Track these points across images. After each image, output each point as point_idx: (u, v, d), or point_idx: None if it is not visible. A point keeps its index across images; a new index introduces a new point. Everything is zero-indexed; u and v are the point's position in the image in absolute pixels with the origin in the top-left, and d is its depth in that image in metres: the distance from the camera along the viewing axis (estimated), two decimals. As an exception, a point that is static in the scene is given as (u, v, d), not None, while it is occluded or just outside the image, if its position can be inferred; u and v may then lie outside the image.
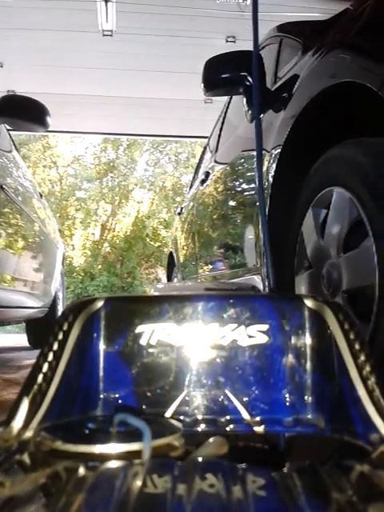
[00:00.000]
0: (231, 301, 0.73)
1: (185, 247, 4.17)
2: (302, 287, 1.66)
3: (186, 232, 4.10)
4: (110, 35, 4.86)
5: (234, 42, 4.90)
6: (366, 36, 1.40)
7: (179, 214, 4.61)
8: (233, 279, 2.53)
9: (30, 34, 4.76)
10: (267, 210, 1.72)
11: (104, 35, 4.85)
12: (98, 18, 4.60)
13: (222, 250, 2.93)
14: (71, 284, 11.95)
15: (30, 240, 3.19)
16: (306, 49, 1.87)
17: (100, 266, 12.89)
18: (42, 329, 3.98)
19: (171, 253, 4.85)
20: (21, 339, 5.29)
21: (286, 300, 0.75)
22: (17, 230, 2.84)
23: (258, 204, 1.86)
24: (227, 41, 4.93)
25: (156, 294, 0.99)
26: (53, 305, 4.07)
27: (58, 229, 4.90)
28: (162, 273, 13.07)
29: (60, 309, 4.33)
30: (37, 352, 0.72)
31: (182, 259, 4.28)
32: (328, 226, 1.48)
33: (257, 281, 2.07)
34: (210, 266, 3.25)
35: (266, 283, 1.79)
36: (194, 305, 0.73)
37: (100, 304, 0.74)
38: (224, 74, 2.03)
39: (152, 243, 13.68)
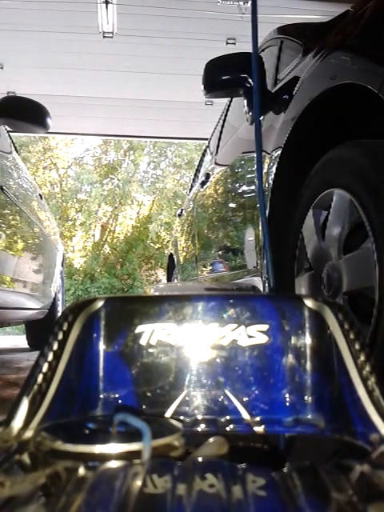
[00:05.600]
0: (231, 301, 0.73)
1: (185, 249, 4.18)
2: (302, 288, 1.66)
3: (186, 234, 4.10)
4: (111, 37, 4.87)
5: (234, 44, 4.91)
6: (367, 38, 1.40)
7: (179, 215, 4.61)
8: (233, 281, 2.53)
9: (31, 35, 4.77)
10: (267, 211, 1.72)
11: (104, 37, 4.86)
12: (99, 19, 4.61)
13: (222, 252, 2.93)
14: (72, 286, 11.95)
15: (29, 241, 3.19)
16: (306, 51, 1.87)
17: (100, 268, 12.89)
18: (41, 330, 3.98)
19: (171, 254, 4.85)
20: (20, 341, 5.29)
21: (286, 300, 0.75)
22: (17, 232, 2.84)
23: (258, 205, 1.86)
24: (227, 43, 4.94)
25: (156, 294, 0.99)
26: (52, 306, 4.07)
27: (58, 230, 4.90)
28: (162, 274, 13.08)
29: (60, 310, 4.33)
30: (36, 353, 0.72)
31: (182, 261, 4.28)
32: (328, 227, 1.48)
33: (257, 282, 2.07)
34: (210, 268, 3.25)
35: (266, 284, 1.79)
36: (193, 305, 0.73)
37: (100, 304, 0.74)
38: (224, 75, 2.04)
39: (152, 245, 13.69)
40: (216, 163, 3.21)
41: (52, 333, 0.71)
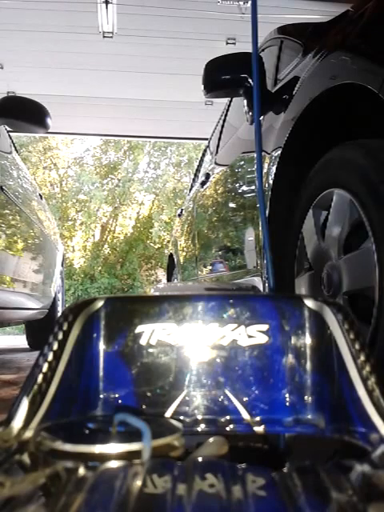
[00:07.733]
0: (231, 301, 0.73)
1: (185, 249, 4.17)
2: (302, 289, 1.66)
3: (186, 233, 4.10)
4: (111, 37, 4.86)
5: (234, 44, 4.91)
6: (367, 38, 1.40)
7: (179, 215, 4.61)
8: (233, 281, 2.53)
9: (31, 35, 4.77)
10: (267, 211, 1.72)
11: (104, 37, 4.85)
12: (99, 19, 4.60)
13: (222, 252, 2.93)
14: (72, 286, 11.94)
15: (29, 241, 3.19)
16: (306, 50, 1.87)
17: (100, 268, 12.88)
18: (41, 330, 3.98)
19: (171, 254, 4.85)
20: (20, 341, 5.29)
21: (286, 300, 0.75)
22: (16, 232, 2.84)
23: (258, 205, 1.86)
24: (227, 43, 4.93)
25: (156, 294, 0.99)
26: (52, 306, 4.07)
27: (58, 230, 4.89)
28: (162, 274, 13.07)
29: (60, 310, 4.33)
30: (36, 353, 0.72)
31: (182, 261, 4.28)
32: (328, 227, 1.48)
33: (257, 282, 2.07)
34: (210, 268, 3.25)
35: (266, 284, 1.79)
36: (193, 305, 0.73)
37: (100, 304, 0.74)
38: (224, 75, 2.03)
39: (152, 245, 13.68)
40: (216, 163, 3.21)
41: (52, 333, 0.71)
